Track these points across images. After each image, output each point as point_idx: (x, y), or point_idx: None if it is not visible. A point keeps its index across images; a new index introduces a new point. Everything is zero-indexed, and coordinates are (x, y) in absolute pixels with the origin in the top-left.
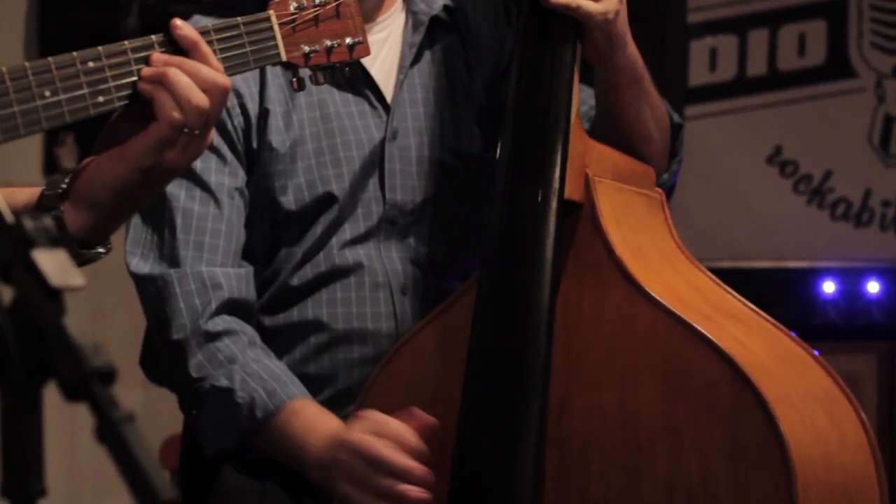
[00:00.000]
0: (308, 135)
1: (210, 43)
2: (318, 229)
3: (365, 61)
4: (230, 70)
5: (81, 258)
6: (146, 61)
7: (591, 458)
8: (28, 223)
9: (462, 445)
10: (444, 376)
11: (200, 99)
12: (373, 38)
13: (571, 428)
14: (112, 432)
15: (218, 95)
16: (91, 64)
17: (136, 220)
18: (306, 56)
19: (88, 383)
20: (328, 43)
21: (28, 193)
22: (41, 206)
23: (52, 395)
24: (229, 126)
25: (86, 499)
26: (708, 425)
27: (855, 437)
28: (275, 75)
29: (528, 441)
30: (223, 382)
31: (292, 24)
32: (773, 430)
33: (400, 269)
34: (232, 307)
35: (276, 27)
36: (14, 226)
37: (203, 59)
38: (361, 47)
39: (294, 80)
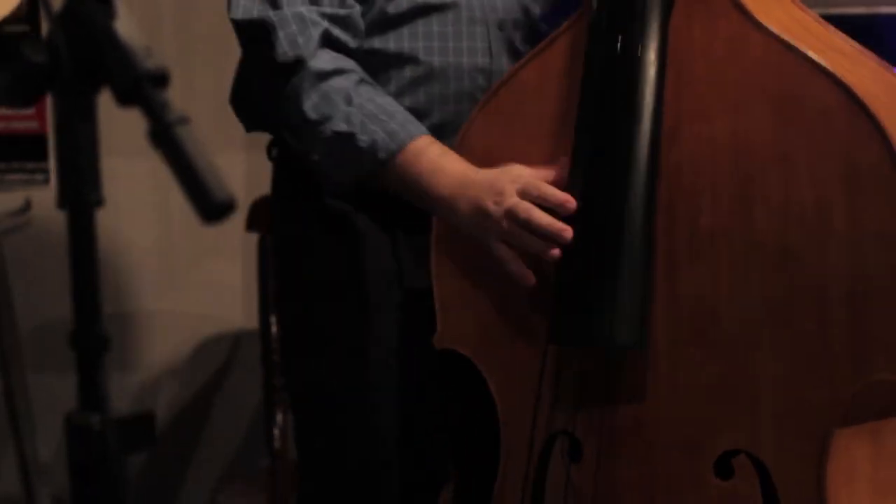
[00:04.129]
0: None
1: None
2: None
3: None
4: None
5: None
6: None
7: (701, 186)
8: None
9: (574, 177)
10: (545, 114)
11: None
12: None
13: (681, 157)
14: (166, 135)
15: None
16: None
17: None
18: None
19: (141, 86)
20: None
21: None
22: None
23: (144, 162)
24: None
25: (181, 259)
26: (822, 152)
27: None
28: None
29: (640, 169)
30: (342, 127)
31: None
32: (891, 156)
33: (498, 5)
34: (334, 42)
35: None
36: None
37: None
38: None
39: None
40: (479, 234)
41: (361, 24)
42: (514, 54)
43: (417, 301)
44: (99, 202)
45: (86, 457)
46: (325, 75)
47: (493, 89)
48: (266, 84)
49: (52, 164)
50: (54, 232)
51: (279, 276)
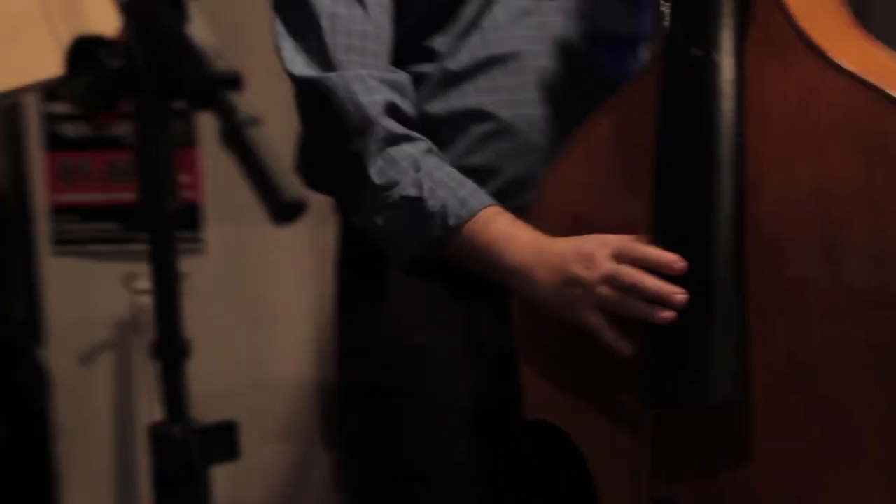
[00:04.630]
0: None
1: None
2: (468, 10)
3: None
4: None
5: None
6: None
7: (787, 236)
8: None
9: (658, 232)
10: (622, 167)
11: None
12: None
13: (765, 207)
14: (237, 135)
15: None
16: None
17: (279, 29)
18: None
19: (212, 87)
20: None
21: None
22: None
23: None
24: None
25: None
26: None
27: None
28: None
29: (726, 222)
30: (412, 191)
31: None
32: None
33: (563, 50)
34: (396, 111)
35: None
36: None
37: None
38: None
39: None
40: (564, 302)
41: (412, 89)
42: (584, 102)
43: (497, 365)
44: (176, 209)
45: (169, 467)
46: (393, 140)
47: (568, 144)
48: (327, 147)
49: (206, 233)
50: (209, 301)
51: (344, 339)
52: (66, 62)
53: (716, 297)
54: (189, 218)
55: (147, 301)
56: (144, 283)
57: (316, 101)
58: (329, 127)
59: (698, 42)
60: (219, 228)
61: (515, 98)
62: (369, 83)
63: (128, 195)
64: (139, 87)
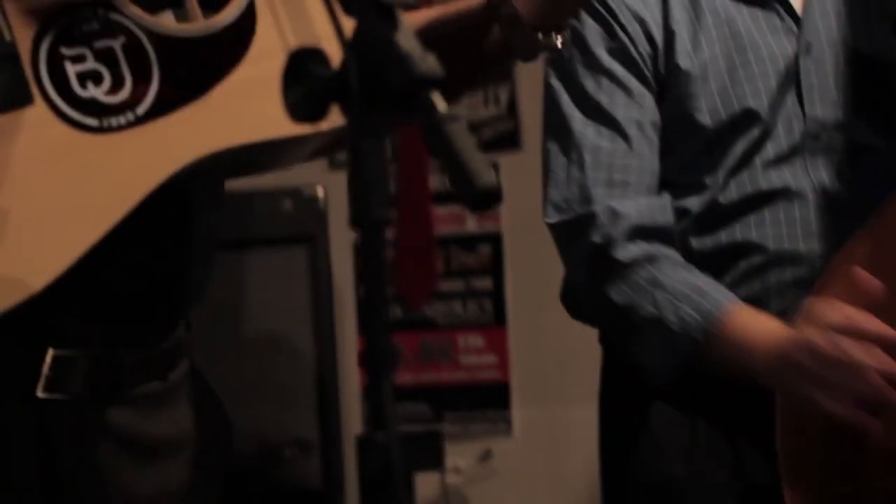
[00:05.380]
0: (718, 53)
1: None
2: (739, 148)
3: None
4: None
5: (538, 44)
6: None
7: None
8: None
9: None
10: (884, 287)
11: None
12: None
13: None
14: (437, 130)
15: None
16: None
17: (548, 162)
18: None
19: (416, 89)
20: None
21: None
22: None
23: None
24: (634, 54)
25: None
26: None
27: None
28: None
29: None
30: (651, 311)
31: None
32: None
33: (830, 187)
34: (644, 233)
35: None
36: None
37: None
38: None
39: None
40: (833, 394)
41: (671, 211)
42: (851, 233)
43: (761, 497)
44: (386, 221)
45: (374, 472)
46: (631, 263)
47: (829, 268)
48: (581, 278)
49: (514, 413)
50: (516, 482)
51: (606, 471)
52: (283, 76)
53: None
54: (497, 398)
55: (457, 480)
56: (458, 460)
57: (568, 238)
58: (578, 260)
59: None
60: (525, 409)
61: (784, 232)
62: (619, 211)
63: (439, 376)
64: (349, 95)
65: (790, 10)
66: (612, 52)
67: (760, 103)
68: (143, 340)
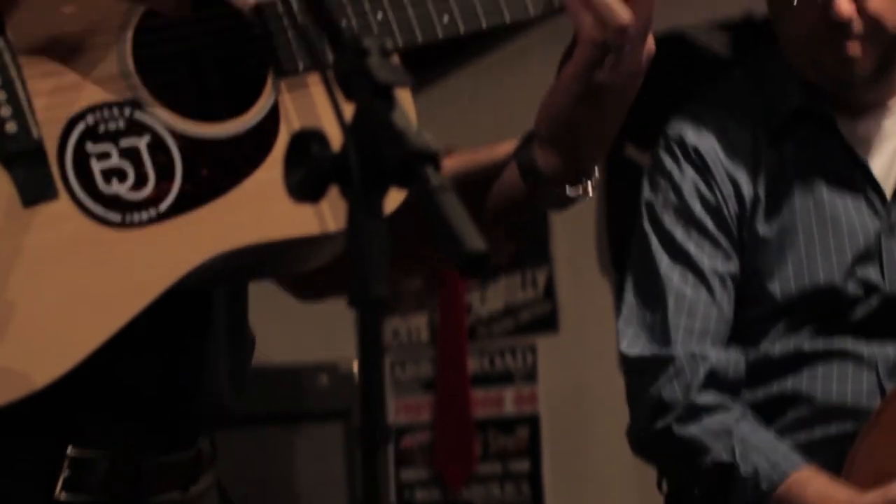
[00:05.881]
0: (799, 223)
1: None
2: (804, 317)
3: (863, 150)
4: None
5: (562, 198)
6: None
7: None
8: (365, 39)
9: None
10: None
11: (620, 16)
12: (881, 123)
13: None
14: (428, 199)
15: (643, 10)
16: None
17: (629, 299)
18: None
19: (411, 164)
20: None
21: (503, 148)
22: (518, 156)
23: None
24: (725, 213)
25: None
26: None
27: None
28: (767, 164)
29: None
30: (724, 457)
31: None
32: None
33: (891, 355)
34: (720, 383)
35: None
36: (351, 39)
37: None
38: None
39: None
40: None
41: (743, 366)
42: None
43: None
44: (385, 299)
45: None
46: (707, 410)
47: (878, 409)
48: (651, 414)
49: None
50: None
51: None
52: (285, 157)
53: None
54: None
55: None
56: None
57: (644, 375)
58: (653, 399)
59: None
60: None
61: (833, 388)
62: (699, 355)
63: None
64: (347, 174)
65: (876, 187)
66: (706, 206)
67: (832, 278)
68: (162, 446)
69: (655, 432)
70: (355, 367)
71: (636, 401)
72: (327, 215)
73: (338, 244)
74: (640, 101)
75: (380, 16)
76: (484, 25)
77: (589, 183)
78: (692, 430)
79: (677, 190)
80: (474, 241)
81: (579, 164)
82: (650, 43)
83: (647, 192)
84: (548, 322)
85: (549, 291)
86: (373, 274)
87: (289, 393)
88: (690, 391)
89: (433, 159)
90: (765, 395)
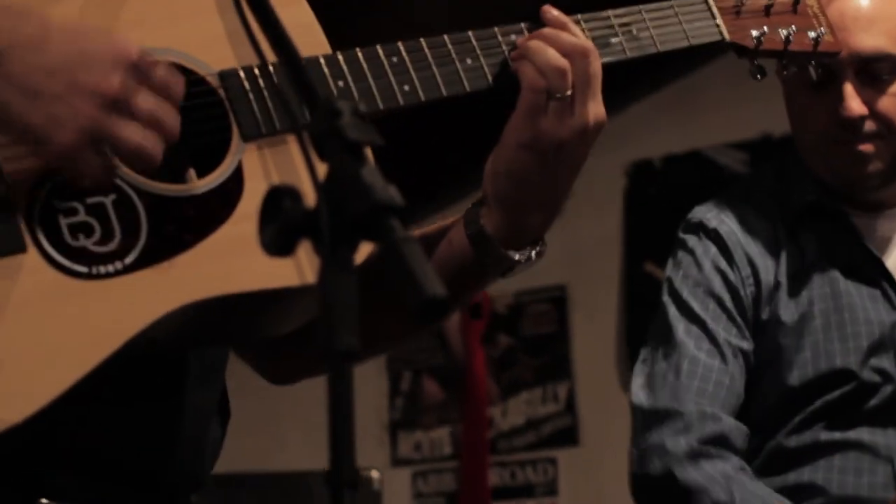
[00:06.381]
0: (817, 310)
1: (577, 23)
2: (820, 402)
3: (879, 246)
4: (665, 45)
5: (508, 262)
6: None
7: None
8: (336, 99)
9: None
10: None
11: (559, 61)
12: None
13: None
14: (392, 249)
15: (580, 57)
16: (460, 45)
17: (647, 351)
18: (756, 40)
19: (377, 213)
20: (783, 32)
21: (454, 217)
22: (465, 217)
23: None
24: (742, 294)
25: None
26: None
27: None
28: (790, 253)
29: None
30: (722, 497)
31: (736, 10)
32: None
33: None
34: (725, 444)
35: (713, 9)
36: (324, 100)
37: (568, 32)
38: (829, 41)
39: (751, 68)
40: None
41: (747, 441)
42: None
43: None
44: (353, 348)
45: None
46: (708, 456)
47: (893, 501)
48: (652, 461)
49: None
50: None
51: None
52: (259, 212)
53: None
54: None
55: None
56: None
57: (651, 424)
58: (657, 448)
59: None
60: None
61: (848, 479)
62: (708, 414)
63: None
64: (317, 229)
65: (892, 280)
66: (726, 283)
67: (849, 363)
68: None
69: (657, 475)
70: (374, 473)
71: (640, 445)
72: (293, 270)
73: (305, 302)
74: (660, 217)
75: (340, 83)
76: (444, 94)
77: (534, 251)
78: (693, 474)
79: (698, 264)
80: (435, 287)
81: (526, 226)
82: (600, 108)
83: (668, 269)
84: (568, 436)
85: (570, 405)
86: (342, 325)
87: (308, 500)
88: (694, 441)
89: (398, 212)
90: (781, 485)
